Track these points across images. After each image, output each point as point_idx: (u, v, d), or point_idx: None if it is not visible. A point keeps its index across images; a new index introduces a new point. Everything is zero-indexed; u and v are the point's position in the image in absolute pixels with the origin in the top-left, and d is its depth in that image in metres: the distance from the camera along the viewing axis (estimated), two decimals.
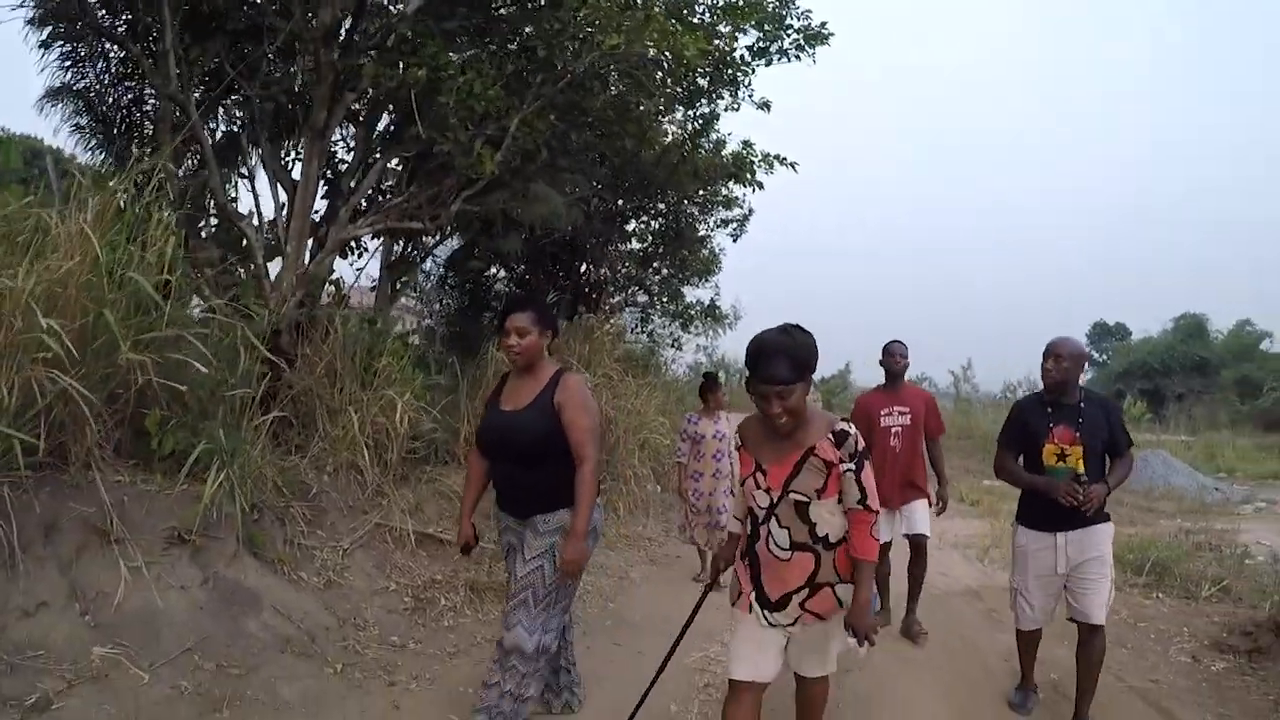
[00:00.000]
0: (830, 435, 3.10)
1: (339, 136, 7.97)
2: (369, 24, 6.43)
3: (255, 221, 6.71)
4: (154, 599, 4.01)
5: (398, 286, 8.97)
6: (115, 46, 7.28)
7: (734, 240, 13.25)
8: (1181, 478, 16.25)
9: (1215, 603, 6.71)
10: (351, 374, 6.15)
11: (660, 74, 6.79)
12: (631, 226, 12.92)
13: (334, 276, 7.32)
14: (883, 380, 6.10)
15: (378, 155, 7.25)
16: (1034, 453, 4.42)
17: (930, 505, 6.03)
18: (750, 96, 8.58)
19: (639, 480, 9.23)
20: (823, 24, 7.39)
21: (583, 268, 12.66)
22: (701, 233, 13.26)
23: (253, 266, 6.44)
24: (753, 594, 3.26)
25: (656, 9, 5.88)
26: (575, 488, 3.73)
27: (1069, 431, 4.31)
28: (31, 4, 6.70)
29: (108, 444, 4.49)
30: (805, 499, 3.11)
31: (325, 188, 7.22)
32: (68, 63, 7.46)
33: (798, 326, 3.14)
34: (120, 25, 6.90)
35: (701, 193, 11.36)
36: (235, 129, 7.62)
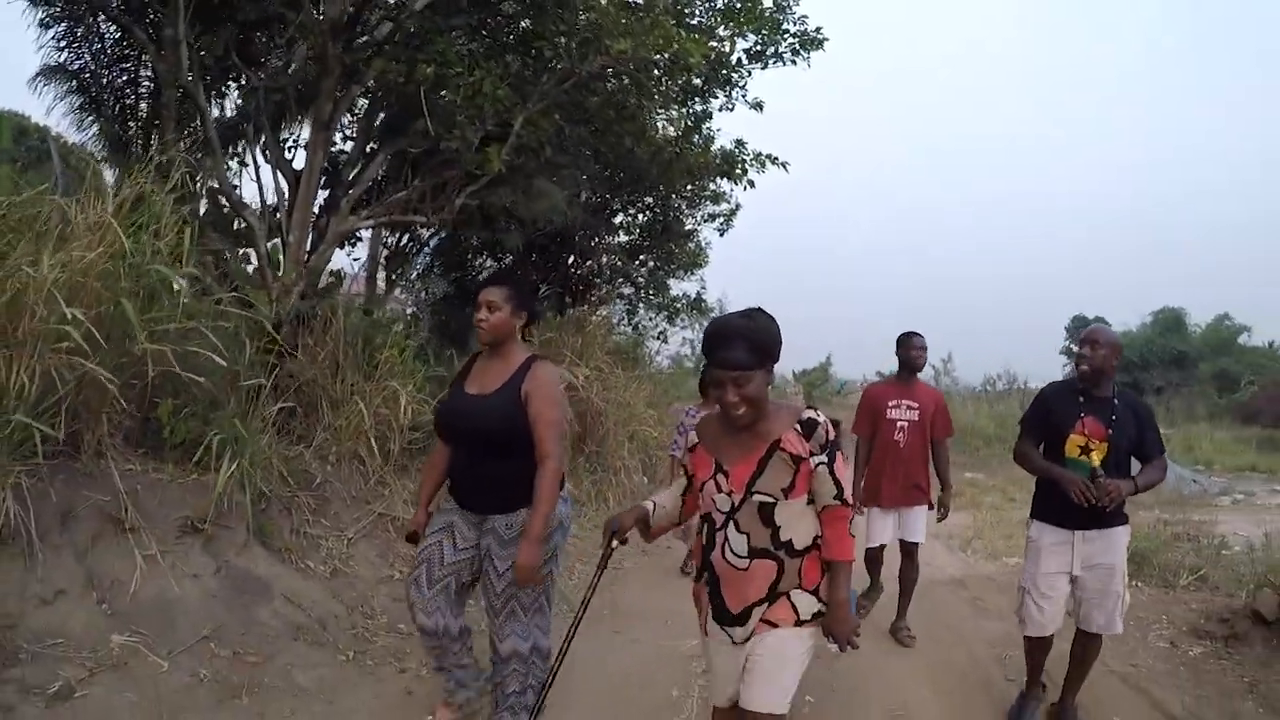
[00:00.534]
0: (797, 426, 2.83)
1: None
2: (375, 18, 6.48)
3: (258, 211, 6.75)
4: (169, 587, 4.09)
5: (393, 278, 9.03)
6: (112, 27, 7.27)
7: (721, 235, 13.29)
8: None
9: (1193, 591, 6.83)
10: (353, 365, 6.23)
11: (659, 74, 6.84)
12: (619, 219, 12.96)
13: (334, 268, 7.38)
14: (895, 372, 6.01)
15: (373, 146, 7.32)
16: (1057, 442, 4.18)
17: (931, 509, 5.86)
18: (744, 97, 8.69)
19: (628, 471, 9.34)
20: (818, 29, 7.50)
21: (570, 260, 12.72)
22: (689, 226, 13.28)
23: (255, 256, 6.49)
24: (708, 613, 2.98)
25: (660, 12, 5.97)
26: (535, 487, 3.48)
27: (1100, 425, 4.08)
28: None
29: (118, 433, 4.54)
30: (771, 499, 2.81)
31: (324, 178, 7.25)
32: (63, 43, 7.41)
33: (760, 310, 2.88)
34: (121, 8, 6.81)
35: (690, 187, 11.41)
36: (236, 117, 7.62)
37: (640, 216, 12.98)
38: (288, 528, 5.10)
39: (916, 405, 5.71)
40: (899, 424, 5.66)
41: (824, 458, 2.79)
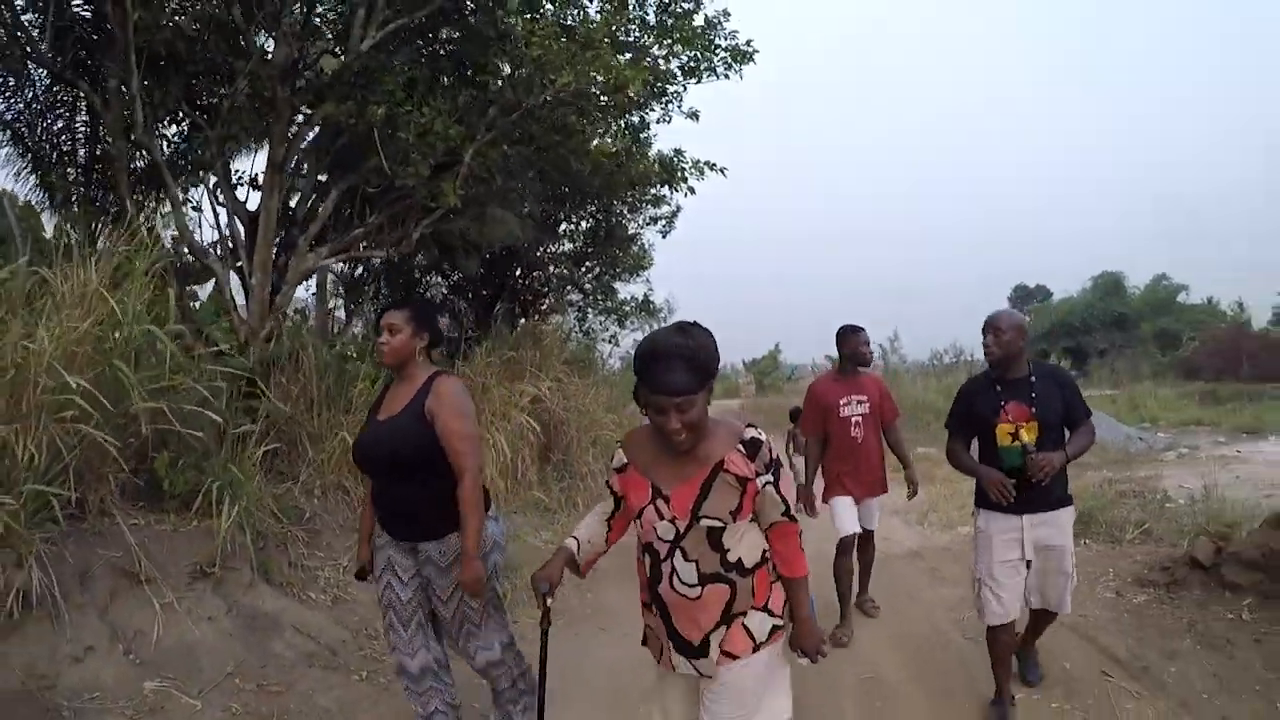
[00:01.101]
0: (740, 446, 2.66)
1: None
2: (316, 54, 6.69)
3: (217, 255, 6.92)
4: (188, 631, 4.32)
5: (351, 308, 9.21)
6: (44, 75, 7.36)
7: (664, 236, 13.65)
8: (1106, 430, 16.50)
9: (1138, 544, 7.16)
10: (327, 401, 6.44)
11: (600, 97, 7.09)
12: (562, 228, 13.22)
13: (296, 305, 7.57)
14: (837, 365, 6.00)
15: (321, 179, 7.52)
16: (987, 435, 4.17)
17: (885, 493, 5.91)
18: (679, 107, 8.99)
19: (594, 476, 9.60)
20: (748, 42, 7.80)
21: (518, 272, 12.94)
22: (631, 231, 13.64)
23: (220, 301, 6.67)
24: (670, 647, 2.79)
25: (600, 40, 6.25)
26: (462, 506, 3.43)
27: (1022, 408, 4.07)
28: None
29: (117, 490, 4.72)
30: (720, 523, 2.64)
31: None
32: None
33: (696, 325, 2.68)
34: (62, 63, 6.86)
35: (631, 194, 11.65)
36: (181, 158, 7.76)
37: (583, 224, 13.28)
38: (285, 562, 5.32)
39: (865, 397, 5.73)
40: (853, 420, 5.67)
41: (769, 477, 2.66)
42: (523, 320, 12.46)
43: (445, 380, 3.64)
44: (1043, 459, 3.92)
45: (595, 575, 7.20)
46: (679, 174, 9.48)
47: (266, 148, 7.78)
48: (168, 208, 7.36)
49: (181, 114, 6.98)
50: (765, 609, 2.74)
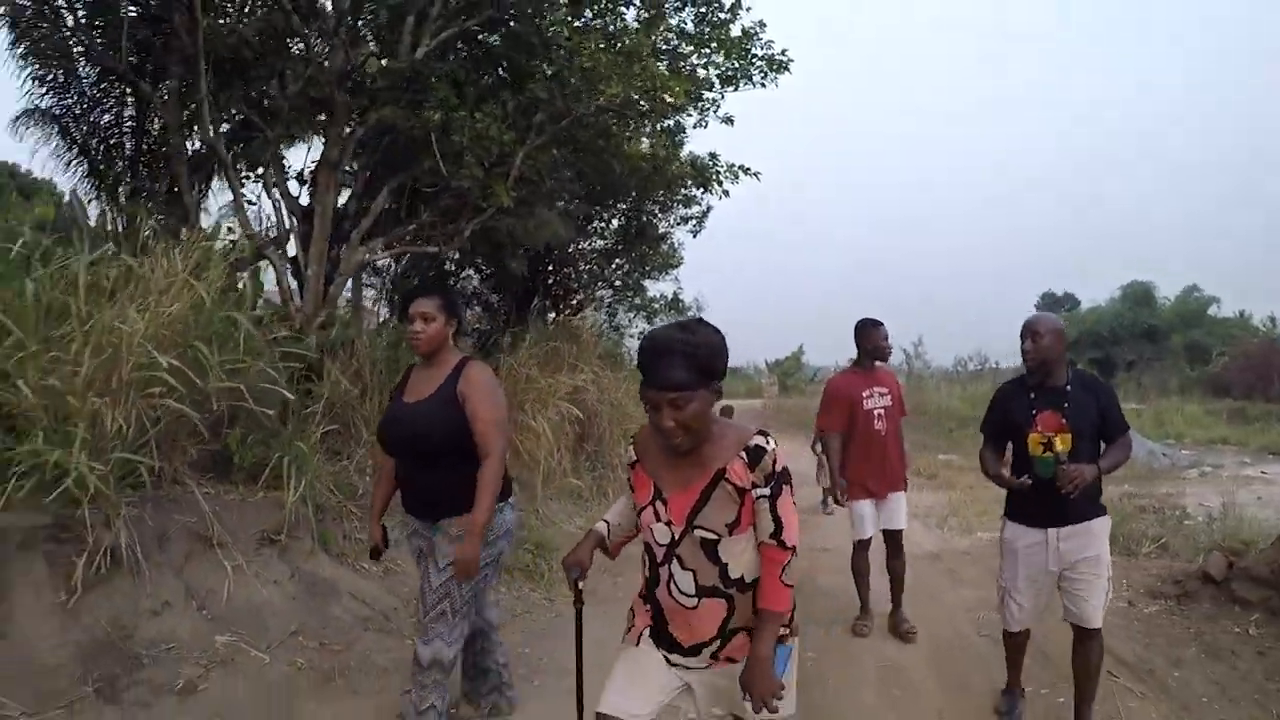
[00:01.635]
0: (743, 453, 2.50)
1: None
2: (367, 62, 7.06)
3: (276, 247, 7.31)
4: (256, 592, 4.72)
5: (393, 300, 9.57)
6: (93, 72, 7.82)
7: (694, 236, 13.85)
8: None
9: (1154, 559, 7.33)
10: (378, 386, 6.79)
11: (641, 103, 7.39)
12: (592, 225, 13.48)
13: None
14: (855, 361, 5.90)
15: (367, 175, 7.90)
16: (1019, 442, 4.04)
17: (905, 490, 5.88)
18: (716, 113, 9.24)
19: (624, 467, 9.91)
20: (783, 51, 8.02)
21: (551, 267, 13.25)
22: (662, 230, 13.86)
23: (279, 290, 7.05)
24: (647, 630, 2.72)
25: (647, 54, 6.58)
26: (479, 483, 3.50)
27: (1054, 417, 3.95)
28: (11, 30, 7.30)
29: (188, 461, 5.13)
30: (714, 536, 2.52)
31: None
32: (45, 88, 7.87)
33: (701, 321, 2.56)
34: (123, 66, 7.19)
35: (664, 195, 11.94)
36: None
37: (614, 222, 13.54)
38: (341, 534, 5.71)
39: (887, 390, 5.71)
40: (875, 412, 5.63)
41: (766, 490, 2.49)
42: (553, 315, 12.79)
43: (475, 365, 3.73)
44: (1073, 470, 3.78)
45: (625, 559, 7.60)
46: (714, 177, 9.75)
47: (308, 145, 8.28)
48: (212, 199, 7.84)
49: (239, 114, 7.32)
50: None
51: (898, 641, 5.57)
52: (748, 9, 7.83)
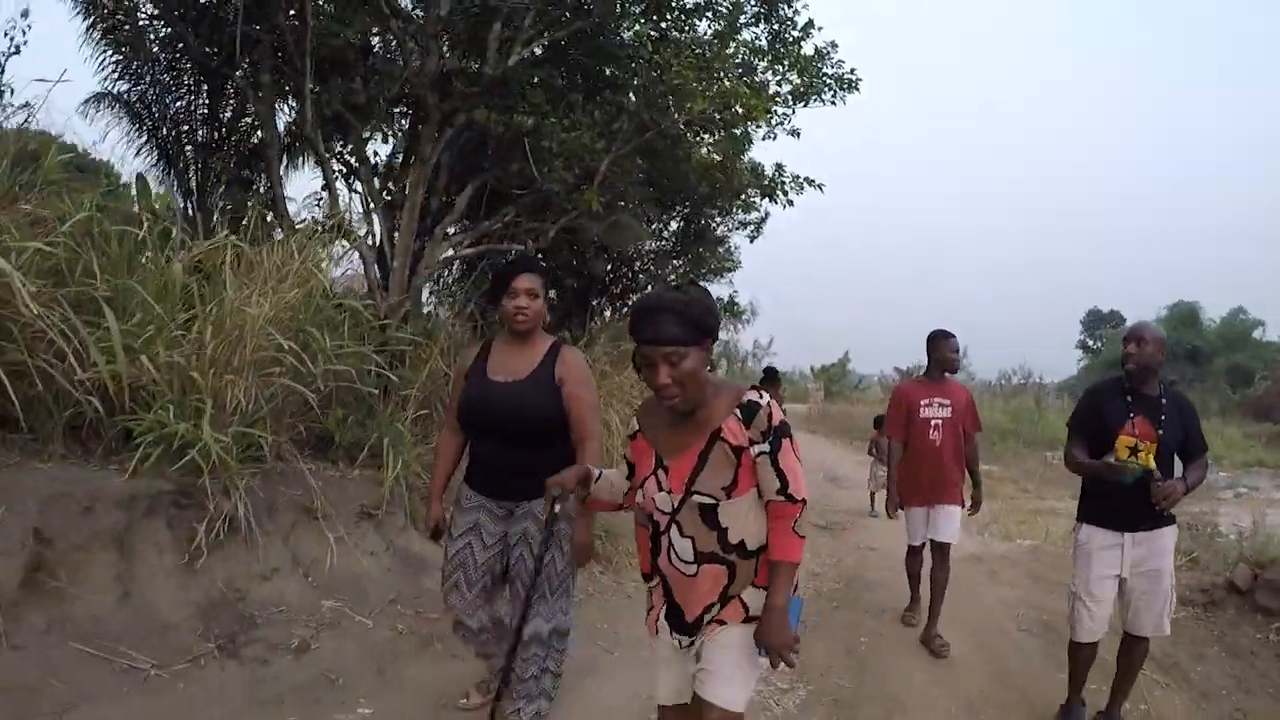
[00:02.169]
0: (737, 411, 2.52)
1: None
2: (469, 68, 7.39)
3: (370, 242, 7.67)
4: (356, 562, 5.08)
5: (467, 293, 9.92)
6: (165, 57, 8.12)
7: (751, 241, 13.98)
8: None
9: (1185, 571, 7.28)
10: None
11: (719, 117, 7.67)
12: (652, 227, 13.62)
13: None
14: (925, 370, 5.99)
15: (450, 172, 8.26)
16: (1106, 442, 4.04)
17: (963, 507, 5.89)
18: (784, 126, 9.46)
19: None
20: (852, 70, 8.30)
21: (609, 267, 13.49)
22: (720, 233, 14.03)
23: (367, 281, 7.41)
24: (663, 611, 2.74)
25: (731, 70, 6.87)
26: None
27: (1149, 425, 3.99)
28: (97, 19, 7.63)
29: (291, 438, 5.50)
30: (712, 500, 2.54)
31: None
32: (118, 73, 8.10)
33: (693, 283, 2.67)
34: (216, 57, 7.52)
35: (733, 202, 12.07)
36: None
37: (673, 224, 13.72)
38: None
39: (948, 402, 5.70)
40: (933, 422, 5.66)
41: (765, 446, 2.50)
42: (608, 313, 13.02)
43: (570, 350, 3.74)
44: (1168, 487, 3.85)
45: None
46: (779, 188, 10.00)
47: (389, 142, 8.64)
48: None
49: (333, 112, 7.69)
50: (763, 587, 2.63)
51: (941, 630, 5.68)
52: (819, 29, 8.11)
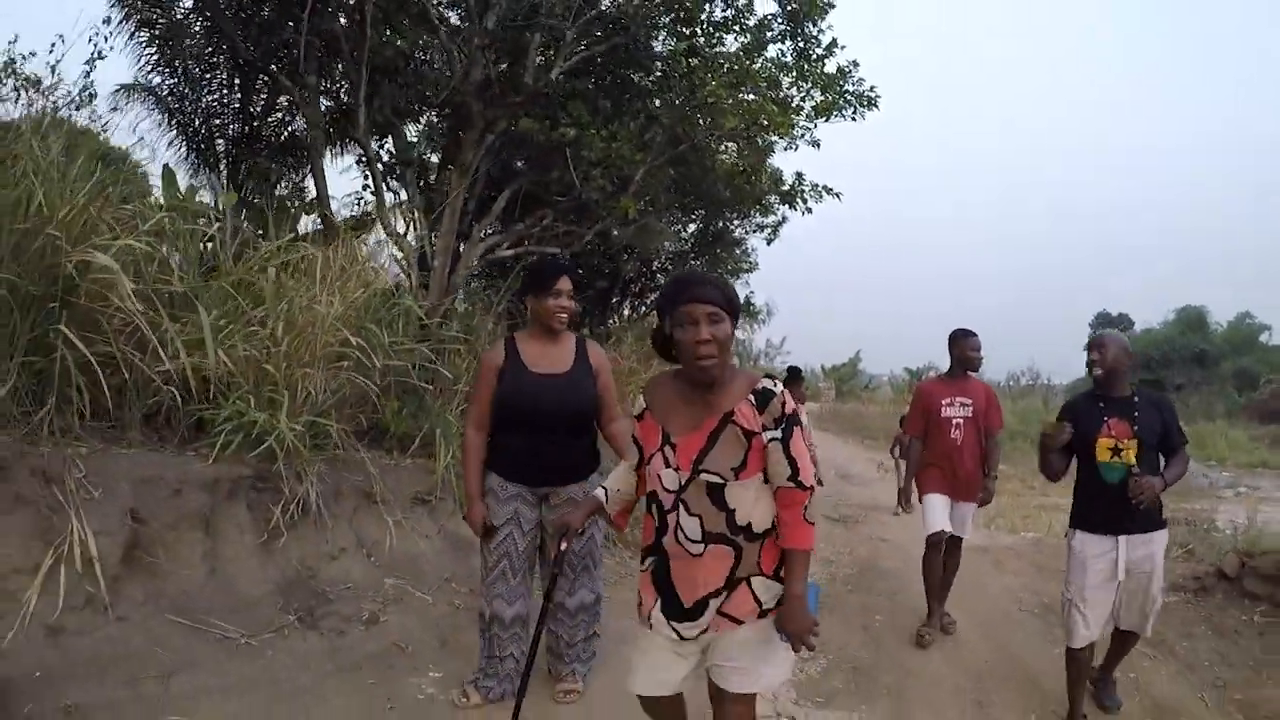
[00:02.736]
0: (751, 396, 2.56)
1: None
2: (513, 77, 7.78)
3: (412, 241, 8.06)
4: (413, 544, 5.48)
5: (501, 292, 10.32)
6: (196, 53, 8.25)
7: (768, 244, 14.25)
8: None
9: (1179, 561, 7.63)
10: None
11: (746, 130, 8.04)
12: (674, 228, 13.91)
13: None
14: (948, 369, 5.91)
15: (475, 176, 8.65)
16: (1087, 448, 4.21)
17: (979, 504, 5.88)
18: (806, 139, 9.73)
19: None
20: (872, 88, 8.63)
21: (628, 265, 13.83)
22: (737, 235, 14.39)
23: (409, 279, 7.80)
24: (656, 604, 2.73)
25: (764, 89, 7.27)
26: (618, 443, 3.79)
27: (1124, 425, 4.14)
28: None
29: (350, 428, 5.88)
30: (720, 479, 2.55)
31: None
32: (152, 67, 8.23)
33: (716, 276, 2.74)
34: (270, 61, 7.76)
35: (754, 207, 12.32)
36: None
37: (691, 226, 13.99)
38: None
39: (970, 401, 5.66)
40: (954, 421, 5.63)
41: (777, 433, 2.54)
42: (627, 312, 13.39)
43: (593, 343, 4.05)
44: (1145, 482, 3.95)
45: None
46: (799, 195, 10.36)
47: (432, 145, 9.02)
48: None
49: (386, 118, 8.07)
50: (776, 576, 2.65)
51: (949, 609, 5.99)
52: (842, 48, 8.47)
